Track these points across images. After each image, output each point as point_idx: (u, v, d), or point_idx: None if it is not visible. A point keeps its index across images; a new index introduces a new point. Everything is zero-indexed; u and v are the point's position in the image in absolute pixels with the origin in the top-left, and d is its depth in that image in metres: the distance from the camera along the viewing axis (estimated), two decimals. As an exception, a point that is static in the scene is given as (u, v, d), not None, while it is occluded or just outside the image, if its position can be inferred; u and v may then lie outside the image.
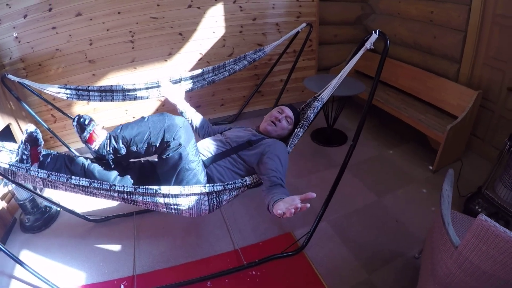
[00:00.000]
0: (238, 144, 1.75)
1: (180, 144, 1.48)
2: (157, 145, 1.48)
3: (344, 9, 3.70)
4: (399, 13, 3.34)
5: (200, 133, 2.05)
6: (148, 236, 2.18)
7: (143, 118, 1.53)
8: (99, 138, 1.54)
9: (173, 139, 1.46)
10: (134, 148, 1.51)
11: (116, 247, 2.14)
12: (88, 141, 1.52)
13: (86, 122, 1.51)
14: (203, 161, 1.67)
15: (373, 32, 1.54)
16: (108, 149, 1.54)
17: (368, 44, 1.56)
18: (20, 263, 1.74)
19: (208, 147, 1.76)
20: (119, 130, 1.54)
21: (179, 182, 1.54)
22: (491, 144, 2.76)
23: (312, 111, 1.78)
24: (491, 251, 1.07)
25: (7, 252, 1.68)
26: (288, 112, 1.91)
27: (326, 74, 3.87)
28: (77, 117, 1.50)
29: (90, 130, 1.51)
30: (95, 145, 1.54)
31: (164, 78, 2.70)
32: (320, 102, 1.78)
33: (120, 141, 1.52)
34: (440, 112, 2.89)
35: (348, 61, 1.79)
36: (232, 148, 1.74)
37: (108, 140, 1.54)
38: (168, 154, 1.48)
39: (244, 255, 1.97)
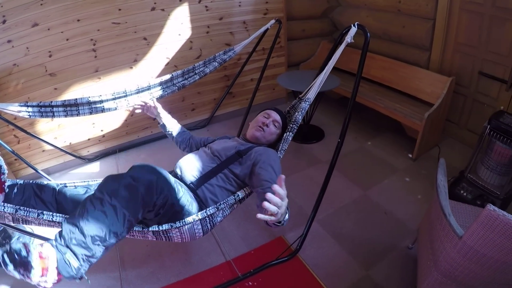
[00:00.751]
0: (227, 157, 1.62)
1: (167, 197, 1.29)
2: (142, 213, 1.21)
3: (311, 4, 3.69)
4: (366, 4, 3.34)
5: (181, 146, 1.94)
6: (133, 258, 2.04)
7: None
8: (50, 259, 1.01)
9: (157, 199, 1.24)
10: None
11: (100, 275, 1.96)
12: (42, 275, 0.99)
13: (22, 252, 0.97)
14: (192, 183, 1.54)
15: (352, 25, 1.52)
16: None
17: (349, 38, 1.55)
18: None
19: (195, 166, 1.61)
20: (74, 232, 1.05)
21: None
22: (467, 128, 2.82)
23: (299, 112, 1.73)
24: (498, 239, 1.08)
25: None
26: (275, 116, 1.84)
27: (297, 70, 3.84)
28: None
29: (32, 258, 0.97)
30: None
31: (138, 98, 2.56)
32: (307, 103, 1.74)
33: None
34: (414, 100, 2.92)
35: (329, 57, 1.74)
36: (222, 163, 1.60)
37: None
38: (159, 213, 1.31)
39: (237, 266, 1.89)
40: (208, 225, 1.44)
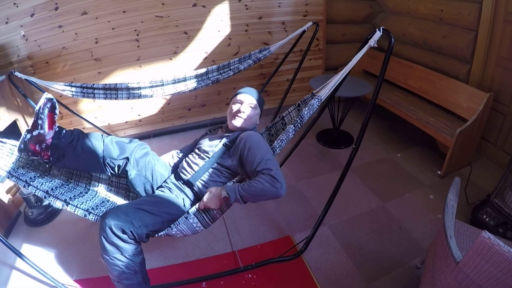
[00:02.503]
0: (215, 152, 1.65)
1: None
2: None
3: (353, 8, 3.63)
4: (408, 12, 3.25)
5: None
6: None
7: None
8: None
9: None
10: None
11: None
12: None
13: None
14: (188, 180, 1.63)
15: (377, 29, 1.49)
16: None
17: (372, 42, 1.52)
18: (21, 256, 1.76)
19: (188, 164, 1.70)
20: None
21: None
22: (503, 149, 2.66)
23: (308, 109, 1.63)
24: (493, 270, 1.01)
25: (8, 245, 1.70)
26: (247, 98, 1.74)
27: (333, 74, 3.80)
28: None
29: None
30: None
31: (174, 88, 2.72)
32: (317, 100, 1.64)
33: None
34: (450, 115, 2.81)
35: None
36: (210, 159, 1.64)
37: None
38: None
39: (241, 258, 1.95)
40: (206, 219, 1.49)
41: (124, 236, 1.36)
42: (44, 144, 1.42)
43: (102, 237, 1.35)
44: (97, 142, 1.53)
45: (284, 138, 1.63)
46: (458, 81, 2.74)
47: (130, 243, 1.38)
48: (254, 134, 1.64)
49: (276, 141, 1.63)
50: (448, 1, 2.81)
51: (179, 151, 1.93)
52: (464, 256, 1.10)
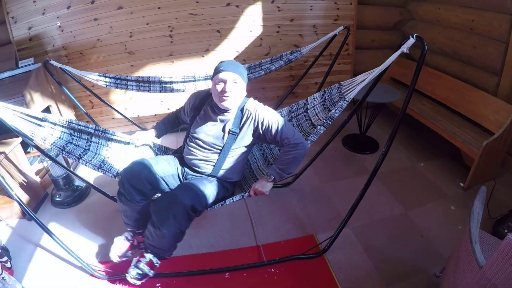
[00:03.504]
0: (226, 143, 1.75)
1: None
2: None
3: (383, 14, 3.66)
4: (439, 20, 3.25)
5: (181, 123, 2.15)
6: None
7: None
8: None
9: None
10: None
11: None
12: None
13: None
14: (210, 174, 1.82)
15: (410, 36, 1.51)
16: None
17: (405, 48, 1.53)
18: (49, 232, 1.87)
19: (202, 160, 1.81)
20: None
21: None
22: (529, 166, 2.65)
23: (336, 110, 1.69)
24: None
25: (37, 220, 1.82)
26: (228, 76, 1.64)
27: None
28: None
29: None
30: None
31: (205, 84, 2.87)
32: (345, 102, 1.70)
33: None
34: (476, 127, 2.80)
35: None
36: (225, 150, 1.76)
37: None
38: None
39: (265, 252, 2.01)
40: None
41: (193, 215, 1.63)
42: None
43: (173, 215, 1.56)
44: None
45: (314, 139, 1.74)
46: (486, 93, 2.73)
47: (192, 220, 1.65)
48: (262, 111, 1.72)
49: (309, 142, 1.75)
50: (479, 11, 2.81)
51: (156, 132, 2.13)
52: (488, 260, 1.14)
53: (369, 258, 2.01)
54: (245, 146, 1.78)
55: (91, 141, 1.95)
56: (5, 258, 1.96)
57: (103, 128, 1.99)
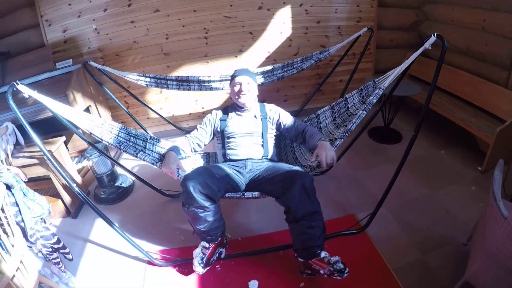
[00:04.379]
0: (262, 128, 2.17)
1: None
2: None
3: (400, 15, 3.85)
4: (453, 21, 3.49)
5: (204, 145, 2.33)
6: (227, 210, 2.51)
7: None
8: None
9: None
10: None
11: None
12: None
13: None
14: (263, 156, 2.16)
15: (432, 35, 1.71)
16: None
17: (427, 44, 1.72)
18: (111, 224, 1.96)
19: (251, 146, 2.15)
20: None
21: None
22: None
23: (374, 96, 1.92)
24: None
25: (99, 211, 1.91)
26: (243, 79, 2.17)
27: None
28: None
29: None
30: None
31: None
32: (380, 90, 1.92)
33: None
34: (491, 117, 3.05)
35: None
36: (264, 133, 2.17)
37: None
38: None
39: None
40: None
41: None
42: None
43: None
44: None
45: (357, 121, 1.95)
46: (498, 86, 3.00)
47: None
48: (277, 107, 2.28)
49: (353, 124, 1.94)
50: (490, 11, 3.06)
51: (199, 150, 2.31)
52: (510, 210, 1.36)
53: (404, 232, 2.26)
54: (274, 131, 2.25)
55: (146, 143, 2.10)
56: (67, 250, 2.01)
57: (155, 137, 2.19)
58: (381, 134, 3.53)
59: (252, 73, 2.27)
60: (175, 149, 2.07)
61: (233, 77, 2.23)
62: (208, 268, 1.91)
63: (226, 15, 3.40)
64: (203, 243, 1.96)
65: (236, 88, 2.17)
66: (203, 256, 1.89)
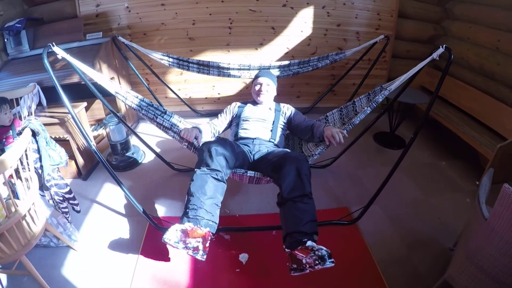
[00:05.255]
0: (275, 117, 2.42)
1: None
2: None
3: (419, 28, 3.91)
4: (469, 38, 3.56)
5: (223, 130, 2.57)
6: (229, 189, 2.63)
7: None
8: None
9: None
10: None
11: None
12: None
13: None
14: (270, 139, 2.32)
15: (440, 46, 1.83)
16: None
17: (435, 55, 1.83)
18: (120, 184, 2.04)
19: (261, 129, 2.34)
20: None
21: None
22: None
23: (380, 96, 2.07)
24: None
25: (111, 171, 2.01)
26: (264, 80, 2.45)
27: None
28: None
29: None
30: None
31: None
32: (387, 91, 2.07)
33: None
34: (494, 134, 3.13)
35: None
36: (275, 122, 2.39)
37: None
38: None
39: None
40: None
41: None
42: None
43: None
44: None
45: (362, 116, 2.08)
46: (505, 105, 3.07)
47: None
48: (289, 106, 2.55)
49: (358, 119, 2.08)
50: (505, 32, 3.12)
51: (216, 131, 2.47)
52: (490, 212, 1.43)
53: (394, 228, 2.38)
54: (284, 125, 2.44)
55: (164, 114, 2.20)
56: (76, 201, 2.14)
57: (170, 112, 2.27)
58: (386, 139, 3.64)
59: (274, 76, 2.56)
60: (198, 127, 2.26)
61: (256, 76, 2.52)
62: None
63: (252, 9, 3.54)
64: (182, 225, 1.71)
65: (257, 87, 2.46)
66: (178, 241, 1.66)
